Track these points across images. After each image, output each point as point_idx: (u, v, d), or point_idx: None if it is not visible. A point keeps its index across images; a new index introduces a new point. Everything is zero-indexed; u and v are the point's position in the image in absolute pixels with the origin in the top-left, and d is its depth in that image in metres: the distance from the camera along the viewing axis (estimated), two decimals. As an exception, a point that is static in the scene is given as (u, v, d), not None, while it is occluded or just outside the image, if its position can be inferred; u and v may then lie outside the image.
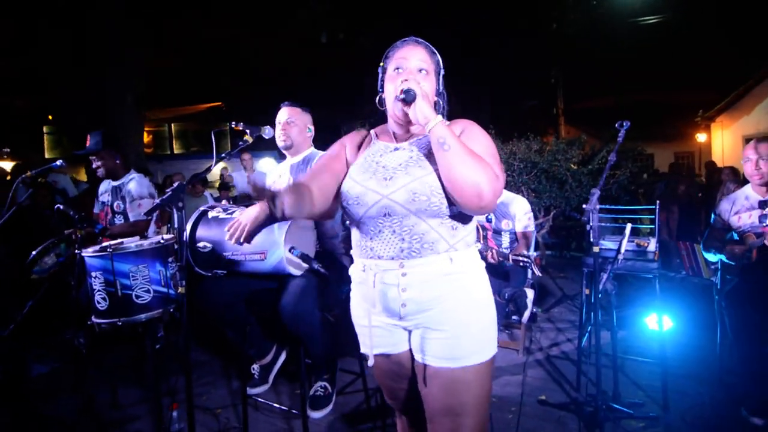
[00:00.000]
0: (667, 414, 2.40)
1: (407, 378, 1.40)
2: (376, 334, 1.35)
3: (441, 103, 1.38)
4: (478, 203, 1.16)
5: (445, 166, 1.17)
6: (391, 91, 1.30)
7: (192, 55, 13.71)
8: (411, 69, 1.29)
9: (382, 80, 1.36)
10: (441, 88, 1.37)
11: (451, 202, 1.22)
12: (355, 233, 1.35)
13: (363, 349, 1.40)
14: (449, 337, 1.24)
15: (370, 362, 1.37)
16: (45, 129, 15.22)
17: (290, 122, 2.56)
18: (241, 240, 2.10)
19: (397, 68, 1.30)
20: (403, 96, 1.21)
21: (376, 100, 1.39)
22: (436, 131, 1.18)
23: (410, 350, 1.35)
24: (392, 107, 1.30)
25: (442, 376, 1.24)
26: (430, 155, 1.25)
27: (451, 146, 1.16)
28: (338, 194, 1.32)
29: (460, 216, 1.27)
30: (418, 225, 1.23)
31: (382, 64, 1.37)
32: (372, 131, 1.44)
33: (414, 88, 1.20)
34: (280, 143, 2.56)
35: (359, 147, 1.42)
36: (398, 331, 1.34)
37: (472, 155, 1.16)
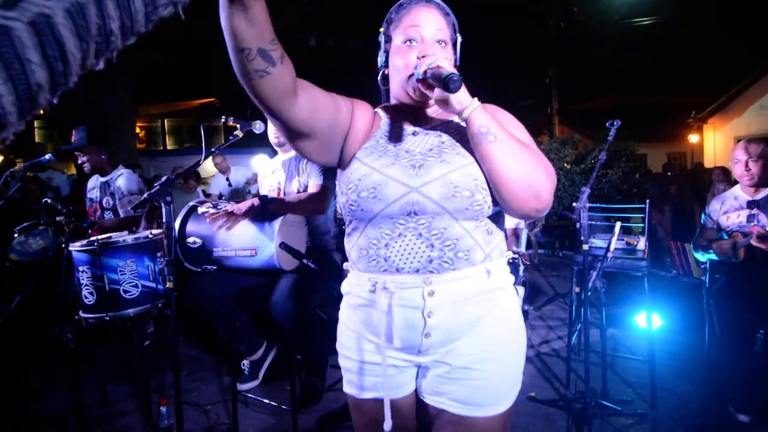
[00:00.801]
0: (655, 411, 2.41)
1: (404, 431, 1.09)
2: (377, 373, 1.02)
3: None
4: (536, 206, 0.91)
5: (493, 161, 0.89)
6: (401, 68, 1.01)
7: (186, 51, 13.63)
8: (428, 41, 1.00)
9: (386, 52, 1.06)
10: (458, 60, 1.07)
11: (495, 202, 0.95)
12: (359, 239, 1.01)
13: (350, 390, 1.08)
14: (478, 378, 0.97)
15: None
16: (36, 123, 15.07)
17: None
18: (227, 227, 2.10)
19: (409, 40, 1.00)
20: (443, 79, 0.85)
21: (378, 79, 1.11)
22: (475, 119, 0.90)
23: (415, 390, 1.07)
24: (403, 87, 1.02)
25: (460, 425, 0.98)
26: (465, 141, 0.97)
27: (497, 136, 0.89)
28: (317, 119, 0.94)
29: (495, 218, 1.01)
30: (452, 228, 0.94)
31: (382, 29, 1.07)
32: (377, 110, 1.10)
33: (449, 69, 0.87)
34: (273, 140, 2.55)
35: (366, 126, 1.05)
36: (408, 369, 1.04)
37: (524, 147, 0.91)
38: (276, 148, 2.61)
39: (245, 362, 2.69)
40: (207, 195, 5.89)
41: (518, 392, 1.03)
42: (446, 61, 0.90)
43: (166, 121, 16.58)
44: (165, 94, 15.10)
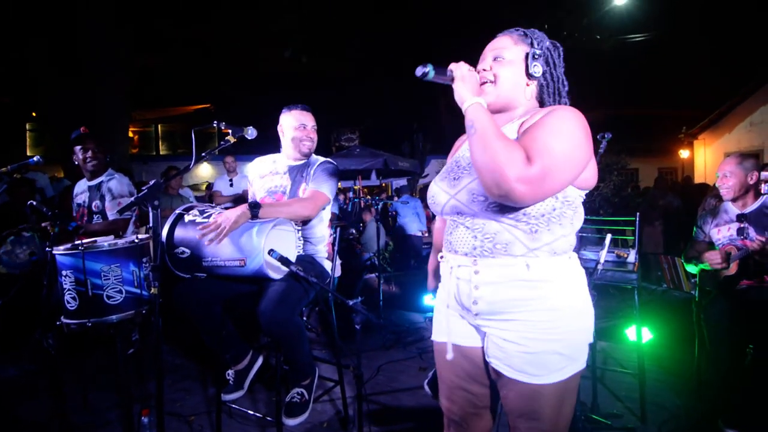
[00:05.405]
0: (645, 425, 2.39)
1: (475, 382, 1.31)
2: (452, 322, 1.30)
3: (535, 88, 1.26)
4: (497, 192, 1.02)
5: (471, 152, 1.08)
6: None
7: (181, 56, 13.62)
8: (486, 63, 1.25)
9: None
10: (537, 71, 1.22)
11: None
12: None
13: (435, 337, 1.37)
14: (527, 351, 1.14)
15: (449, 355, 1.28)
16: (28, 126, 14.95)
17: (316, 128, 2.47)
18: (217, 241, 2.06)
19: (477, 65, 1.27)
20: (418, 75, 1.13)
21: None
22: (467, 114, 1.09)
23: (483, 351, 1.26)
24: None
25: (518, 386, 1.17)
26: None
27: (477, 130, 1.06)
28: None
29: (544, 217, 1.14)
30: (489, 224, 1.16)
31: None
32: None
33: (452, 70, 1.15)
34: (304, 150, 2.46)
35: (453, 151, 1.42)
36: (469, 325, 1.28)
37: (499, 138, 1.03)
38: (297, 155, 2.50)
39: (230, 372, 2.63)
40: (209, 194, 5.77)
41: (581, 366, 1.17)
42: (457, 66, 1.17)
43: (159, 126, 16.51)
44: (159, 99, 15.05)
